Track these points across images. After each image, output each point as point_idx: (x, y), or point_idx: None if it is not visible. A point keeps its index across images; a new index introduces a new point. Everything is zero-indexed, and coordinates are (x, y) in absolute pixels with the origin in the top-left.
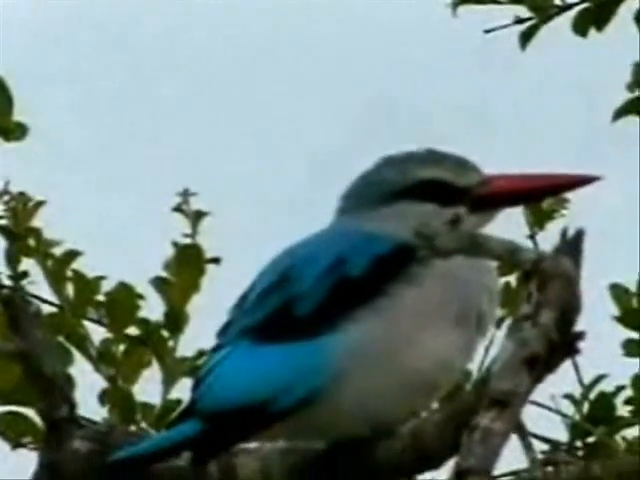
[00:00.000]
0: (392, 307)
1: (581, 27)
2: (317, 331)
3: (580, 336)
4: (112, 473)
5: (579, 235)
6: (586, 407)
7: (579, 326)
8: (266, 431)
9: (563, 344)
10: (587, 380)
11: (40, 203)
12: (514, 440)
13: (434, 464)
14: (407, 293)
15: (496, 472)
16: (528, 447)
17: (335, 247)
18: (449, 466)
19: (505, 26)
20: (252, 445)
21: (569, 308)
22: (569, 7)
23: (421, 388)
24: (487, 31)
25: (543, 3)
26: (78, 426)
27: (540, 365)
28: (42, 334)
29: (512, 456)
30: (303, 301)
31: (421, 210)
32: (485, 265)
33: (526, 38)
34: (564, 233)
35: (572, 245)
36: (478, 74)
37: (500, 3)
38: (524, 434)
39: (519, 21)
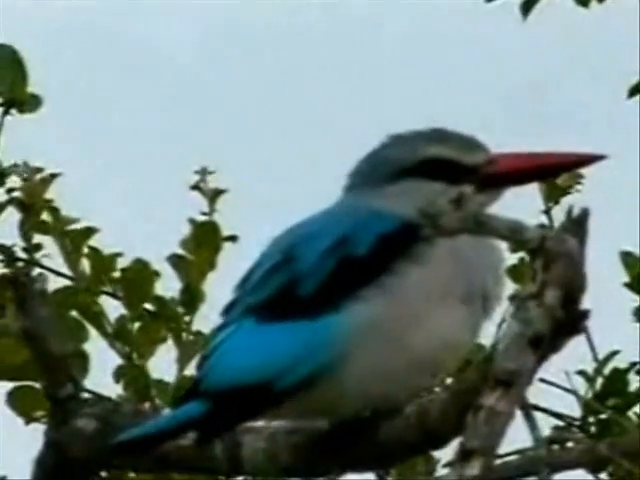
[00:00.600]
0: (397, 286)
1: None
2: (321, 310)
3: (585, 315)
4: (117, 454)
5: (584, 214)
6: (600, 383)
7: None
8: (271, 410)
9: (568, 323)
10: (602, 352)
11: (54, 175)
12: (519, 418)
13: (439, 444)
14: (412, 272)
15: (501, 451)
16: (533, 426)
17: (339, 225)
18: (454, 446)
19: None
20: (257, 425)
21: (574, 287)
22: None
23: (426, 368)
24: (488, 0)
25: None
26: (84, 404)
27: (545, 344)
28: (47, 312)
29: (517, 435)
30: (307, 280)
31: (427, 188)
32: (491, 244)
33: (527, 8)
34: (569, 212)
35: (577, 224)
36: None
37: None
38: (529, 413)
39: None
